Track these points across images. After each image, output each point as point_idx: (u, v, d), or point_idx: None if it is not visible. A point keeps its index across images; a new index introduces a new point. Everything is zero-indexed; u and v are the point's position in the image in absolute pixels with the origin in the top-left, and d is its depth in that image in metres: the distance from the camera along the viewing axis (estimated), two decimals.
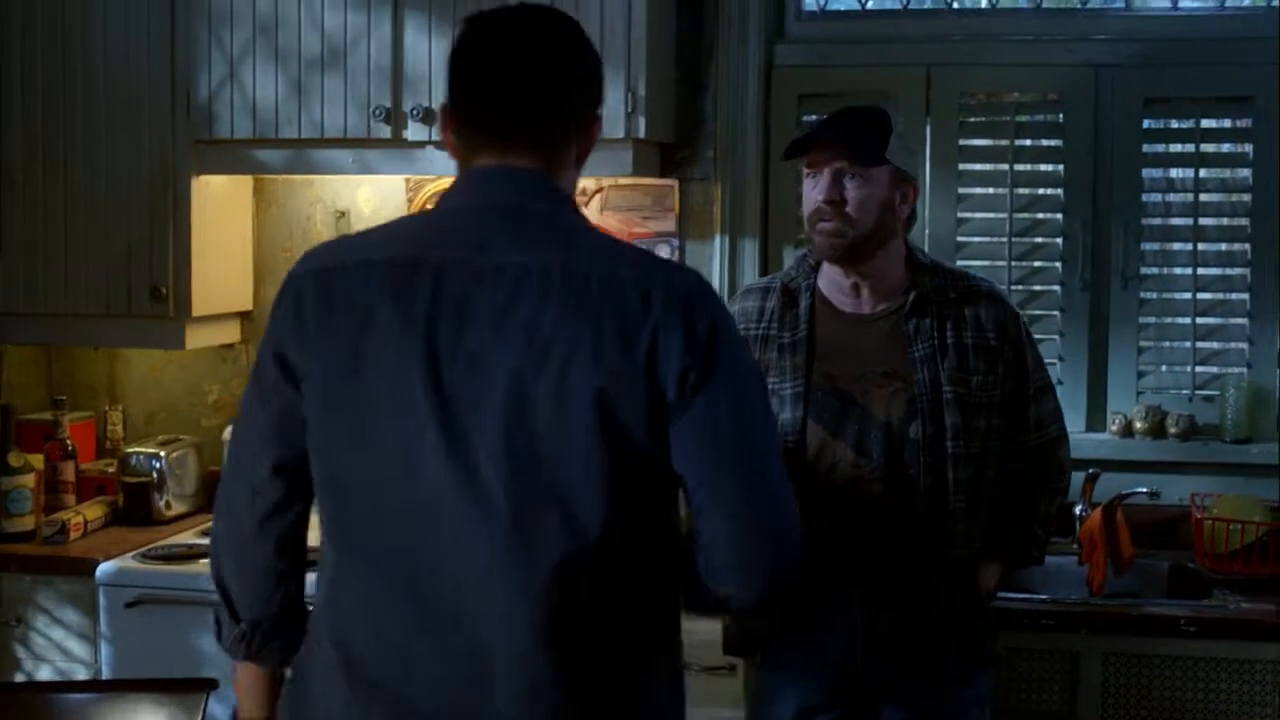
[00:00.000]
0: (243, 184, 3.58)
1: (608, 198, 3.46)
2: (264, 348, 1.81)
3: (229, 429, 3.31)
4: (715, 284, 3.32)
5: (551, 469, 1.66)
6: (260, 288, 3.65)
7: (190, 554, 3.22)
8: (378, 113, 3.16)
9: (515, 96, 1.73)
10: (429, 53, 3.14)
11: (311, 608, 1.84)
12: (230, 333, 3.64)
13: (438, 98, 3.07)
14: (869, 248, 2.44)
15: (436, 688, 1.69)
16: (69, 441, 3.51)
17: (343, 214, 3.58)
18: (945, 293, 2.49)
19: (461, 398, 1.66)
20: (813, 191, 2.44)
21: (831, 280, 2.52)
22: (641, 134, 3.11)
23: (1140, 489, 3.18)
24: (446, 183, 1.83)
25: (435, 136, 3.06)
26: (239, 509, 1.84)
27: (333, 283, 1.75)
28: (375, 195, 3.57)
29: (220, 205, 3.46)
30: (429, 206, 3.30)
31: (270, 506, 1.83)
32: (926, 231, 3.34)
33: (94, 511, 3.44)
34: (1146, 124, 3.33)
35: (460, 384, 1.67)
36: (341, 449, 1.75)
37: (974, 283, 2.53)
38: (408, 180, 3.51)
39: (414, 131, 3.16)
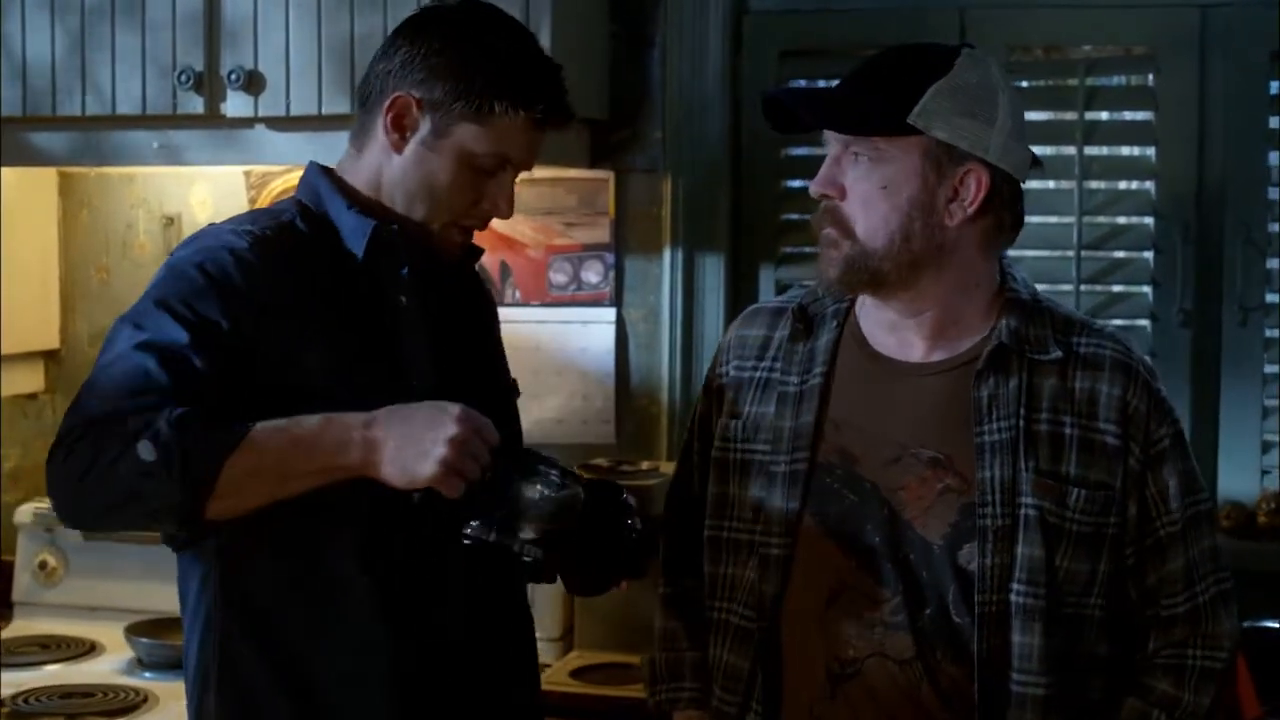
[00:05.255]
0: (39, 181, 3.17)
1: (519, 197, 2.88)
2: None
3: (24, 510, 3.11)
4: (666, 315, 2.95)
5: None
6: (69, 319, 3.21)
7: None
8: (184, 78, 2.70)
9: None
10: None
11: None
12: (30, 379, 3.22)
13: (265, 57, 2.67)
14: (894, 272, 1.91)
15: None
16: None
17: (171, 220, 3.19)
18: (1046, 347, 1.95)
19: None
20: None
21: (872, 308, 2.02)
22: None
23: (1268, 621, 2.72)
24: (296, 177, 2.06)
25: (264, 111, 2.67)
26: None
27: None
28: (212, 195, 3.17)
29: (3, 210, 3.04)
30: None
31: None
32: None
33: None
34: (1276, 88, 2.88)
35: None
36: None
37: (1097, 339, 1.99)
38: (247, 174, 3.08)
39: (235, 104, 2.69)
